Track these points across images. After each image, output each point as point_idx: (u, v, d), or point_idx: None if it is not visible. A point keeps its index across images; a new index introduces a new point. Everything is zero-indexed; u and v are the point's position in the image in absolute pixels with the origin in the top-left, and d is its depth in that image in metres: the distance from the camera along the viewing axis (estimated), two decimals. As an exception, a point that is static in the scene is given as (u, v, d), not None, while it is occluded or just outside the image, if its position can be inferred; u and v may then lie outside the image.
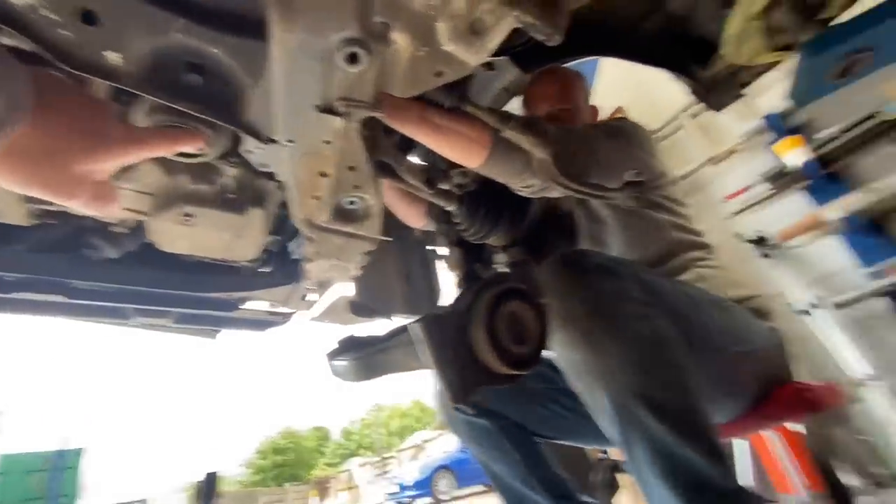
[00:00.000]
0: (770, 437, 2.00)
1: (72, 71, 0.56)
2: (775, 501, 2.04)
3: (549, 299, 0.68)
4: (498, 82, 1.53)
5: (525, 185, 0.83)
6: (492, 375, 0.42)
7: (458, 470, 8.98)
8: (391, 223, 1.66)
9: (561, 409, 1.11)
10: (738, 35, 0.68)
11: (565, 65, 1.10)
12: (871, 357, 2.28)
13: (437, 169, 1.13)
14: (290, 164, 0.76)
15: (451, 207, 1.21)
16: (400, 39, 0.58)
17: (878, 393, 2.07)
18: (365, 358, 0.57)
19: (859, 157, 2.51)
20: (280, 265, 1.33)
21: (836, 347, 2.29)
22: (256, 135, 0.68)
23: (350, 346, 0.64)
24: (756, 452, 2.43)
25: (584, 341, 0.67)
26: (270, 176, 0.84)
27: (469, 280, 1.43)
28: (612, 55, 0.82)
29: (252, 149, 0.75)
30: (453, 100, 0.80)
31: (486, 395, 1.10)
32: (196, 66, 0.60)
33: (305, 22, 0.55)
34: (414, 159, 1.34)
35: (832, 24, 0.68)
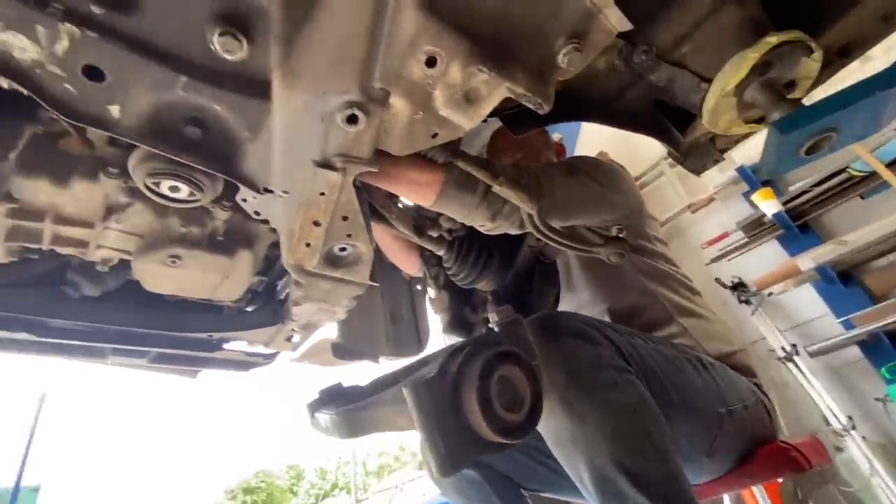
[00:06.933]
0: (755, 490, 1.98)
1: (71, 122, 0.56)
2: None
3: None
4: (487, 130, 1.59)
5: (481, 224, 0.88)
6: (483, 444, 0.41)
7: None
8: (380, 264, 1.67)
9: (549, 461, 1.08)
10: (713, 109, 0.73)
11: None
12: (847, 405, 2.31)
13: (424, 216, 1.15)
14: (284, 213, 0.77)
15: (440, 252, 1.22)
16: (398, 104, 0.61)
17: (855, 442, 2.09)
18: (350, 414, 0.55)
19: (829, 210, 2.60)
20: (265, 305, 1.31)
21: (816, 395, 2.32)
22: (253, 186, 0.69)
23: (332, 398, 0.63)
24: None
25: (562, 410, 0.67)
26: (264, 221, 0.85)
27: (456, 324, 1.43)
28: (596, 121, 0.86)
29: (247, 197, 0.76)
30: (447, 155, 0.83)
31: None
32: (197, 119, 0.62)
33: (308, 84, 0.57)
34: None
35: (802, 104, 0.73)
